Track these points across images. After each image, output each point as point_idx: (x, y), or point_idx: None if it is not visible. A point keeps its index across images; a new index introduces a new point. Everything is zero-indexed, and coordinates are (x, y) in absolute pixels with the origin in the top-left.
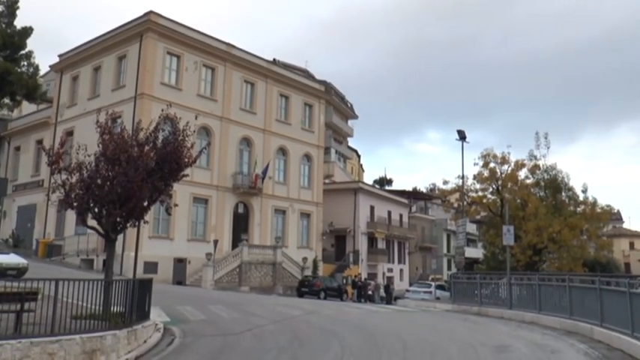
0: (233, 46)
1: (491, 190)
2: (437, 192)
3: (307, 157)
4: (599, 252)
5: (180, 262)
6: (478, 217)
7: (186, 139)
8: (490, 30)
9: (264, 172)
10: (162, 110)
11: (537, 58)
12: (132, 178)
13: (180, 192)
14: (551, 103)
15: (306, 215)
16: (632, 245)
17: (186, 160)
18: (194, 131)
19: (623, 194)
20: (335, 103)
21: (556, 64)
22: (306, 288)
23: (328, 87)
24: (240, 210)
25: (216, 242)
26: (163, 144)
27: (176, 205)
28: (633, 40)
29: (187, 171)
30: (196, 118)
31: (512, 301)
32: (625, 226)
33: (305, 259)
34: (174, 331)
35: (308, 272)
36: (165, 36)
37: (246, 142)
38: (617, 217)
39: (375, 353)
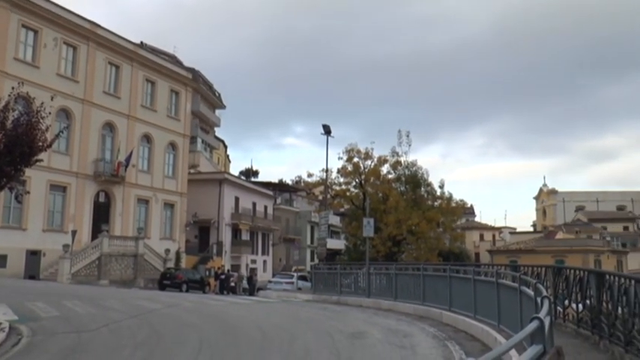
0: (97, 25)
1: (354, 183)
2: (302, 184)
3: (172, 146)
4: (453, 243)
5: (33, 255)
6: (342, 209)
7: (41, 120)
8: (358, 29)
9: (128, 159)
10: (13, 88)
11: (402, 60)
12: None
13: (35, 178)
14: (414, 102)
15: (169, 205)
16: (482, 237)
17: (40, 143)
18: (50, 113)
19: (474, 190)
20: (202, 92)
21: (419, 66)
22: (168, 280)
23: (196, 74)
24: (102, 199)
25: (74, 233)
26: (14, 125)
27: (28, 192)
28: (489, 49)
29: (42, 156)
30: (52, 99)
31: (370, 290)
32: (476, 219)
33: (168, 251)
34: (21, 330)
35: (171, 264)
36: (20, 7)
37: (109, 127)
38: (469, 212)
39: (234, 344)
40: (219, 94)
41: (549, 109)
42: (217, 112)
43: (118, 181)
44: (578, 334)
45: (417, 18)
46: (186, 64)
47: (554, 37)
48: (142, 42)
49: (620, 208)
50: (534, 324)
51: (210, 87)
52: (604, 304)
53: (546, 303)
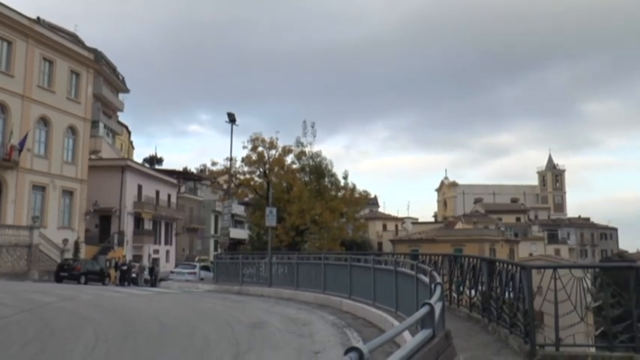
0: None
1: (258, 173)
2: (207, 173)
3: (72, 130)
4: (356, 233)
5: None
6: (246, 199)
7: None
8: (264, 18)
9: (22, 143)
10: None
11: (308, 52)
12: None
13: None
14: (319, 94)
15: (68, 193)
16: (385, 227)
17: None
18: None
19: (379, 182)
20: (105, 74)
21: (325, 59)
22: (66, 272)
23: (98, 56)
24: None
25: None
26: None
27: None
28: (394, 46)
29: None
30: None
31: (272, 280)
32: (380, 210)
33: (66, 241)
34: None
35: (69, 255)
36: None
37: (1, 108)
38: (373, 202)
39: (131, 337)
40: (123, 78)
41: (451, 106)
42: (121, 96)
43: (10, 166)
44: (470, 317)
45: (324, 12)
46: (88, 44)
47: (456, 37)
48: (38, 17)
49: (514, 201)
50: (424, 309)
51: (113, 70)
52: (494, 289)
53: (438, 289)
